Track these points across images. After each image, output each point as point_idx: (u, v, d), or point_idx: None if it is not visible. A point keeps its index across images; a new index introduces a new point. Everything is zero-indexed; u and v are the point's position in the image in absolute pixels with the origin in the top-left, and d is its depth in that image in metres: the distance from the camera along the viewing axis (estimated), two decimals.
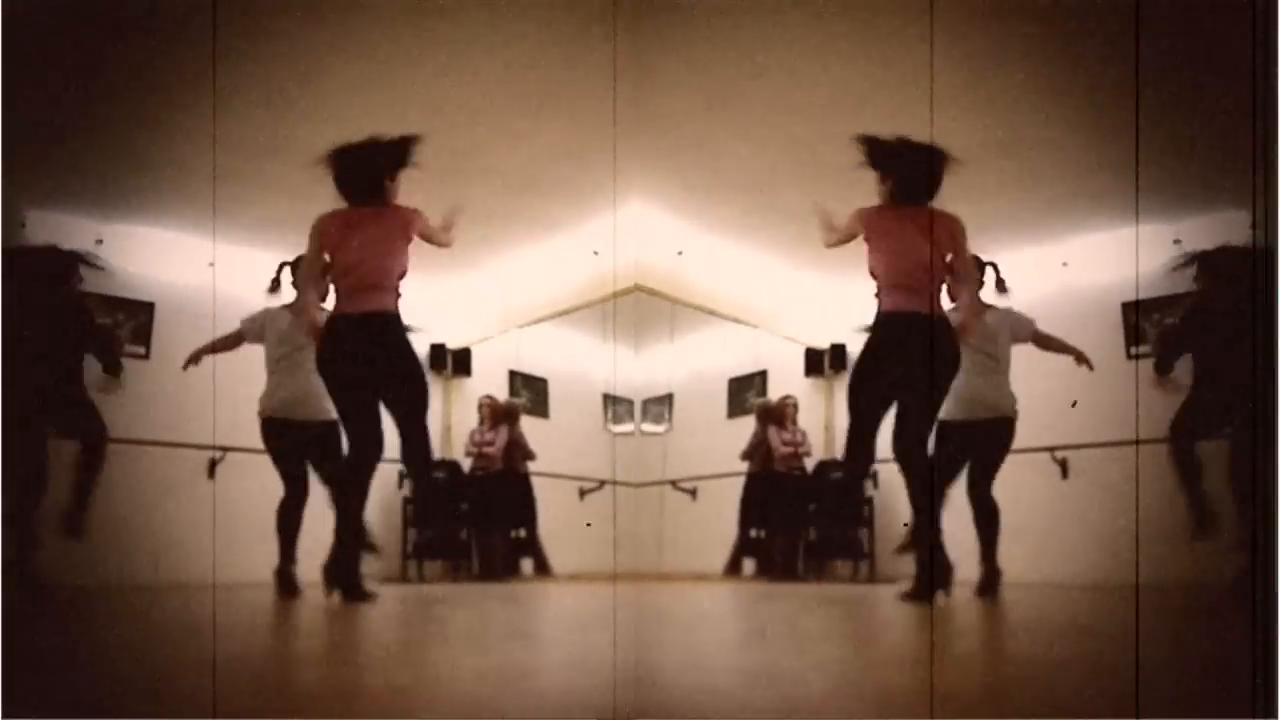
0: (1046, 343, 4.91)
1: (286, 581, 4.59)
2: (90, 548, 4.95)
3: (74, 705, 1.92)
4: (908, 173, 4.11)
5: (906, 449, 4.13)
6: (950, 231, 4.06)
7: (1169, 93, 4.79)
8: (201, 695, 1.93)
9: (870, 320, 4.20)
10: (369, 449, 4.17)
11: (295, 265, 4.66)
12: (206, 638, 2.95)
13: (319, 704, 1.94)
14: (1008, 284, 4.82)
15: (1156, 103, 4.86)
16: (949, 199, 4.99)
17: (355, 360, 4.03)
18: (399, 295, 4.14)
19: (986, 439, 4.71)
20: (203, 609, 4.28)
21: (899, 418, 4.14)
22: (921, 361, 4.02)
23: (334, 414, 4.39)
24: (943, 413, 4.66)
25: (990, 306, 4.71)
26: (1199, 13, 4.17)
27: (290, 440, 4.69)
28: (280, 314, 4.79)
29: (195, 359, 4.90)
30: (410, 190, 4.33)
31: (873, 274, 4.14)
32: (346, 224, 4.09)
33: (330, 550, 4.40)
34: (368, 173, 4.15)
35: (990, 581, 4.64)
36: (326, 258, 4.09)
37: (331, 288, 4.14)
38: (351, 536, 4.20)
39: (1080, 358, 4.90)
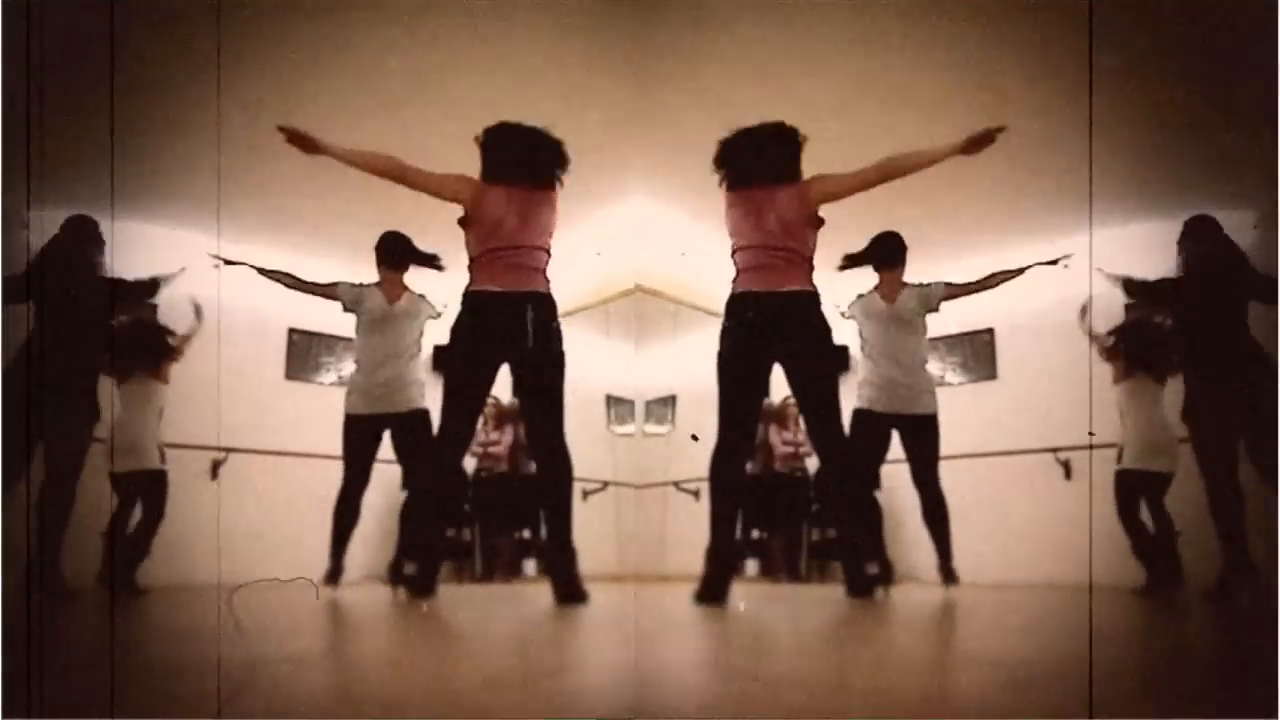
0: (959, 290, 4.76)
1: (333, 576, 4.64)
2: (93, 549, 4.97)
3: (75, 705, 1.92)
4: (742, 160, 3.93)
5: (814, 436, 3.99)
6: (801, 199, 3.85)
7: (1173, 92, 4.80)
8: (204, 696, 1.93)
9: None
10: (465, 439, 4.01)
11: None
12: (209, 638, 2.96)
13: (320, 704, 1.94)
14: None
15: (1160, 102, 4.87)
16: (947, 198, 5.00)
17: (496, 339, 3.81)
18: (548, 280, 3.95)
19: (912, 433, 4.66)
20: (205, 610, 4.28)
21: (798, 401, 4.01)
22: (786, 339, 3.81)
23: (424, 403, 4.40)
24: (860, 401, 4.64)
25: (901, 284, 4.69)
26: (1201, 14, 4.17)
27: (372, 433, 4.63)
28: (373, 292, 4.73)
29: (289, 282, 4.78)
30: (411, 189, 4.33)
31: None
32: (508, 199, 3.86)
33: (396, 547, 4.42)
34: (547, 159, 3.94)
35: (948, 576, 4.66)
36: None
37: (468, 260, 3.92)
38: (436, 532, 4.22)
39: (1004, 276, 4.76)
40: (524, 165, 3.90)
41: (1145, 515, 5.06)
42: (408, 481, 4.71)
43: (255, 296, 6.03)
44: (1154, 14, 4.19)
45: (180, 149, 5.17)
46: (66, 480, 4.18)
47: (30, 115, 3.18)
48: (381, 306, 4.69)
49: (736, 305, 3.86)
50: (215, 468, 5.85)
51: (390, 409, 4.62)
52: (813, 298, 3.83)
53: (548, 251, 3.94)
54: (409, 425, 4.60)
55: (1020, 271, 4.74)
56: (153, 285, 4.84)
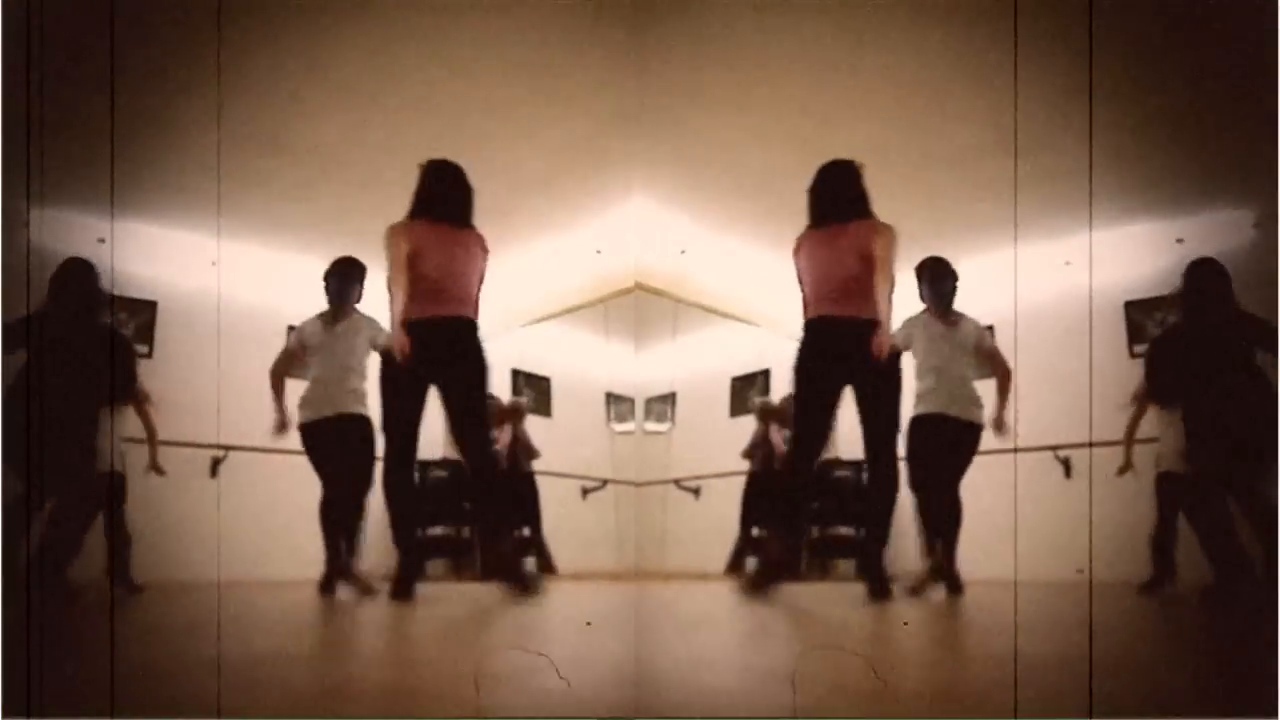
0: (990, 349, 4.97)
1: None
2: (93, 548, 4.96)
3: (75, 705, 1.92)
4: (826, 196, 4.23)
5: (873, 451, 4.23)
6: (868, 242, 4.09)
7: (1171, 94, 4.80)
8: (204, 694, 1.94)
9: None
10: (407, 455, 4.24)
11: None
12: (209, 636, 2.96)
13: (321, 703, 1.94)
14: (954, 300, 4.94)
15: (1159, 103, 4.87)
16: (947, 197, 5.01)
17: (427, 363, 4.09)
18: (477, 307, 4.24)
19: (958, 438, 4.79)
20: (206, 607, 4.29)
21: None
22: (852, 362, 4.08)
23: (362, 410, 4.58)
24: (920, 408, 4.76)
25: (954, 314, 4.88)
26: (1201, 15, 4.17)
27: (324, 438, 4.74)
28: (314, 321, 4.89)
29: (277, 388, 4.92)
30: (412, 189, 4.34)
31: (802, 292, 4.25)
32: (431, 237, 4.16)
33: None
34: (460, 193, 4.31)
35: (951, 579, 4.76)
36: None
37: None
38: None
39: (1002, 387, 4.94)
40: (446, 203, 4.27)
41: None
42: (326, 482, 4.81)
43: (255, 295, 6.04)
44: (1153, 15, 4.19)
45: (180, 150, 5.17)
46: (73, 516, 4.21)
47: (30, 115, 3.17)
48: (320, 332, 4.84)
49: (813, 329, 4.17)
50: (215, 466, 5.85)
51: (329, 411, 4.73)
52: (877, 324, 4.08)
53: (477, 277, 4.25)
54: (342, 428, 4.71)
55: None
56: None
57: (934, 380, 4.80)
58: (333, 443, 4.73)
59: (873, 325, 4.04)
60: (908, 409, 4.64)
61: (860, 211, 4.18)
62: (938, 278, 4.91)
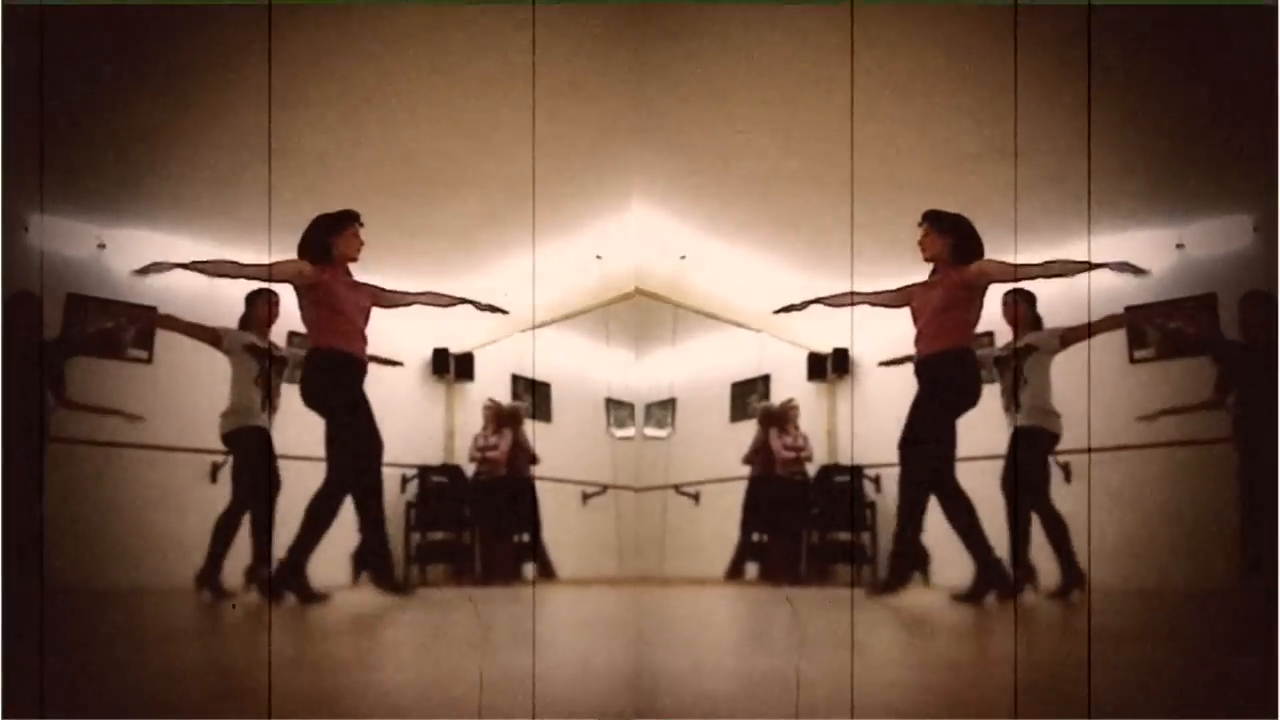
0: (1074, 334, 5.08)
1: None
2: (93, 552, 4.96)
3: (75, 707, 1.92)
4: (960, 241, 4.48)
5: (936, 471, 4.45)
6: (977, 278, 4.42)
7: (1171, 98, 4.80)
8: (204, 696, 1.93)
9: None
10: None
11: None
12: (208, 641, 2.96)
13: (320, 705, 1.94)
14: (1041, 319, 5.16)
15: (1158, 108, 4.87)
16: (947, 203, 5.01)
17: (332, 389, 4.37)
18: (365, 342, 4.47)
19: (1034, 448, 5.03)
20: (204, 612, 4.29)
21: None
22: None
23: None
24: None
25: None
26: (1201, 20, 4.18)
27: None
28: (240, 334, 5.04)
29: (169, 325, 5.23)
30: (413, 194, 4.34)
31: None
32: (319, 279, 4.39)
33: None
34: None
35: (1074, 584, 4.80)
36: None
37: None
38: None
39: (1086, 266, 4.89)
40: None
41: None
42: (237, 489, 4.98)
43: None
44: (1153, 18, 4.19)
45: (179, 156, 5.17)
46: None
47: (31, 121, 3.18)
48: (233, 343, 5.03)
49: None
50: (214, 472, 5.83)
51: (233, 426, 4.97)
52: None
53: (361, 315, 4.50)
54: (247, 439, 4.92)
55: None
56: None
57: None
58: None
59: None
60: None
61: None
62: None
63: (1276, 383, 4.62)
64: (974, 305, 4.48)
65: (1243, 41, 4.05)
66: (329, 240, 4.42)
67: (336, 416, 4.40)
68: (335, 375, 4.39)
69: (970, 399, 4.44)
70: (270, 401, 4.99)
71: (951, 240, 4.48)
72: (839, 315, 5.02)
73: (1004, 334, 5.29)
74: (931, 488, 4.46)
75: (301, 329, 4.57)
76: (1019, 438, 4.93)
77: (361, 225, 4.48)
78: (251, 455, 4.90)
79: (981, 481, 4.83)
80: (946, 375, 4.42)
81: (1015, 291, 5.07)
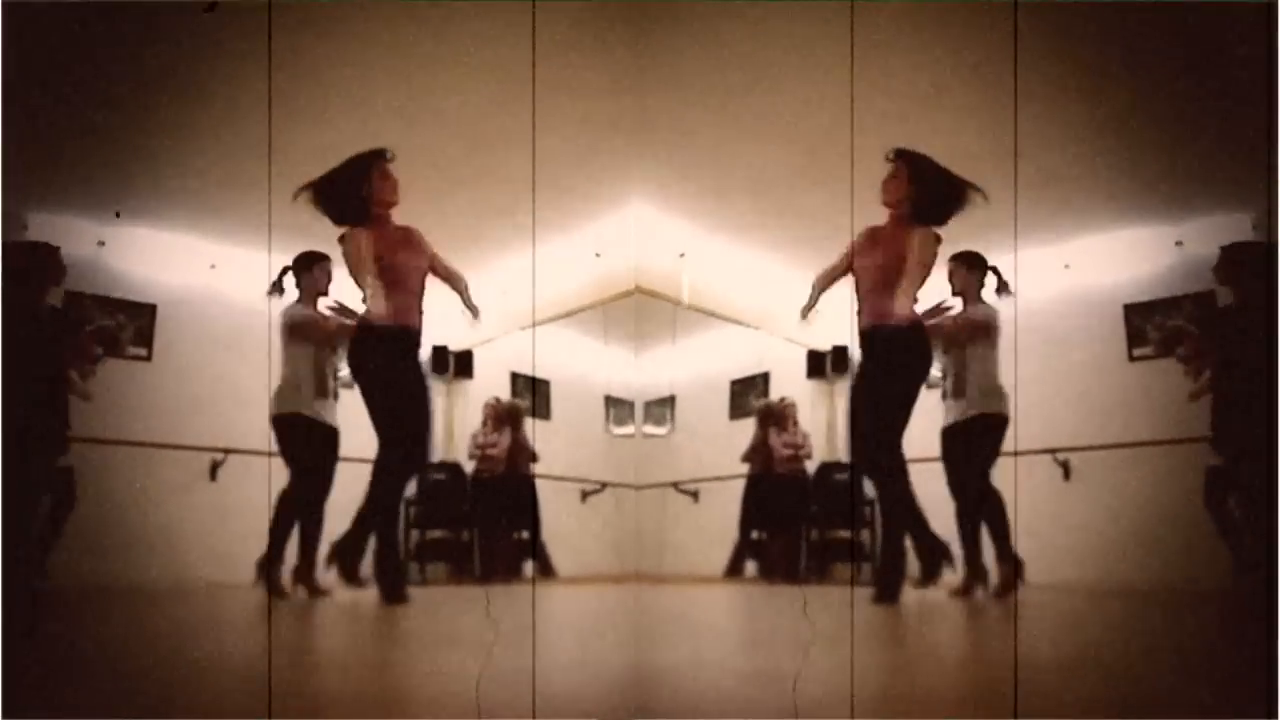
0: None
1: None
2: (94, 550, 4.97)
3: (75, 706, 1.92)
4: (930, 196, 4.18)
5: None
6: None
7: (1170, 96, 4.80)
8: (203, 695, 1.94)
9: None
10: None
11: (298, 267, 4.68)
12: (208, 638, 2.96)
13: (321, 705, 1.94)
14: (1009, 286, 4.80)
15: (1158, 106, 4.87)
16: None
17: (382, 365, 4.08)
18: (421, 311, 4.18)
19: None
20: (204, 610, 4.29)
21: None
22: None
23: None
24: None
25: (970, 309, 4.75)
26: (1200, 19, 4.18)
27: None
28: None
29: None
30: (415, 193, 4.34)
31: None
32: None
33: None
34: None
35: (1011, 577, 4.59)
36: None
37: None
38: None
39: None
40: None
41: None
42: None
43: (254, 298, 6.02)
44: (1153, 18, 4.19)
45: (179, 154, 5.16)
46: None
47: (31, 119, 3.18)
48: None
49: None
50: (214, 469, 5.84)
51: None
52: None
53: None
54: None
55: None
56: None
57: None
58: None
59: None
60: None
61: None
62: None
63: (1271, 383, 4.51)
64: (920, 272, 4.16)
65: (1241, 40, 4.06)
66: (360, 193, 4.15)
67: (393, 399, 4.09)
68: (391, 352, 4.09)
69: (920, 377, 4.19)
70: (323, 385, 4.66)
71: (919, 189, 4.15)
72: (839, 316, 4.96)
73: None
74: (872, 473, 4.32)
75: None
76: (971, 427, 4.60)
77: (390, 159, 4.19)
78: (300, 445, 4.57)
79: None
80: (896, 350, 4.13)
81: (961, 256, 4.76)
